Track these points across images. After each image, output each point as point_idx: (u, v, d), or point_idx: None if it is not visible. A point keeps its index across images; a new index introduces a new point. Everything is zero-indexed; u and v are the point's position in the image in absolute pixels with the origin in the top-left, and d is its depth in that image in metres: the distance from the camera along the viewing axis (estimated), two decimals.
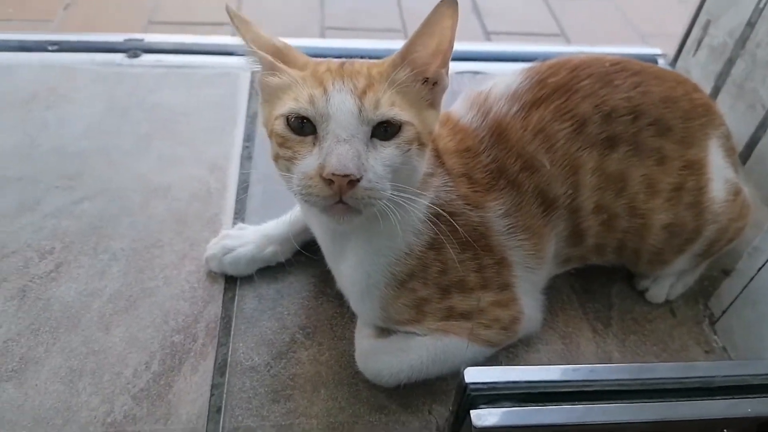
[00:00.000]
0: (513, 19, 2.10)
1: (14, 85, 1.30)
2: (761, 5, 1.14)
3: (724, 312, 0.95)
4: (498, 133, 0.82)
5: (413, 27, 0.71)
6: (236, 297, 0.93)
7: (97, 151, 1.16)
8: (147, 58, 1.38)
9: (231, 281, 0.95)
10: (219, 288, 0.94)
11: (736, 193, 0.91)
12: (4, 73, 1.33)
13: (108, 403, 0.79)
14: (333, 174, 0.62)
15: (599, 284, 1.00)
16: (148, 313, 0.89)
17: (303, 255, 0.96)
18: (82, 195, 1.07)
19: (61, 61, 1.36)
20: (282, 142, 0.68)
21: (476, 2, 2.15)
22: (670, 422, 0.66)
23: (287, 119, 0.67)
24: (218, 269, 0.95)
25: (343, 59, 0.73)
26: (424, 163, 0.72)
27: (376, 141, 0.67)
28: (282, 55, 0.73)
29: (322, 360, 0.86)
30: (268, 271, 0.96)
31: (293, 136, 0.67)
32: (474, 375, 0.67)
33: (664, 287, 0.98)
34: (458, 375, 0.67)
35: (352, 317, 0.89)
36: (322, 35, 1.94)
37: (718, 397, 0.69)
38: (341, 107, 0.65)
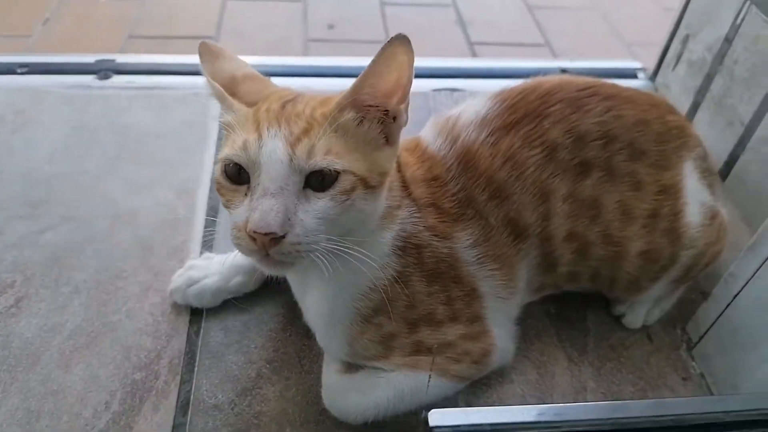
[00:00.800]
0: (497, 29, 2.08)
1: None
2: (738, 22, 1.12)
3: (701, 338, 0.93)
4: (466, 161, 0.80)
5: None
6: (201, 330, 0.90)
7: (64, 176, 1.13)
8: (118, 79, 1.35)
9: (197, 313, 0.92)
10: (184, 321, 0.91)
11: (713, 216, 0.89)
12: None
13: None
14: (254, 232, 0.60)
15: (575, 310, 0.98)
16: (109, 350, 0.87)
17: (271, 285, 0.94)
18: (46, 224, 1.04)
19: (29, 83, 1.33)
20: (218, 188, 0.66)
21: (460, 13, 2.13)
22: None
23: (224, 165, 0.65)
24: (183, 302, 0.92)
25: (293, 95, 0.69)
26: (377, 205, 0.69)
27: (309, 192, 0.63)
28: (235, 85, 0.70)
29: (289, 396, 0.83)
30: (235, 301, 0.93)
31: (228, 185, 0.65)
32: (438, 418, 0.65)
33: (640, 313, 0.96)
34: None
35: (320, 350, 0.86)
36: (305, 47, 1.92)
37: None
38: (272, 156, 0.61)
